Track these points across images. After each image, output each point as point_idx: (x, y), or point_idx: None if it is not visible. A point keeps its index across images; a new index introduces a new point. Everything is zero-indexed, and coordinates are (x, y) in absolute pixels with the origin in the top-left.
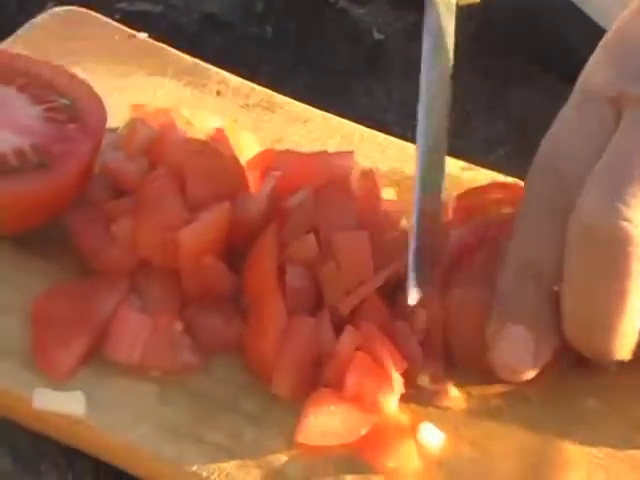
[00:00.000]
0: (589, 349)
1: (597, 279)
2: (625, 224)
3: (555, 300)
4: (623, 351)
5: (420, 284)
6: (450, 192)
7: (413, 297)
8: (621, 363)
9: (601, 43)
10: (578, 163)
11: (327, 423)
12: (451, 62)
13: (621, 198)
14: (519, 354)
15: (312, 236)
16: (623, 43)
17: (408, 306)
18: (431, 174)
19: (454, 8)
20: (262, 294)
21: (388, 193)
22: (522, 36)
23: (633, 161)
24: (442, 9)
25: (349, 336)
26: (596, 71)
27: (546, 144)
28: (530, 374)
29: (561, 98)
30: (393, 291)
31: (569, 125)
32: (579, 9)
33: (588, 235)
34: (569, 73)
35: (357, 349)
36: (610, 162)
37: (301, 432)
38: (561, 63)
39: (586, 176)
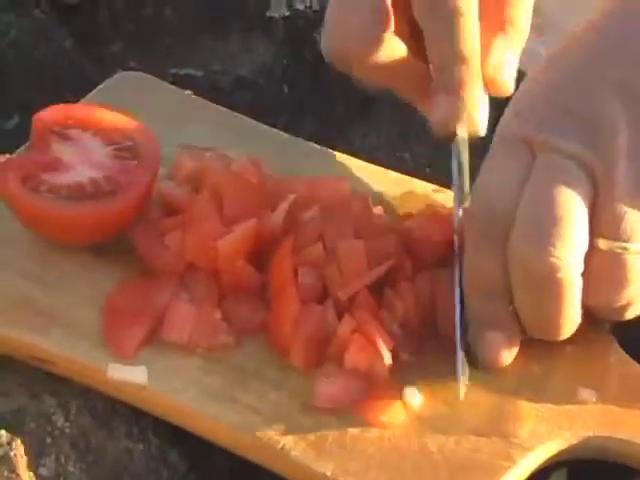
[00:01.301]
0: (541, 336)
1: (539, 298)
2: (553, 260)
3: (510, 302)
4: (566, 335)
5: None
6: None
7: (463, 392)
8: None
9: (516, 91)
10: (505, 201)
11: (332, 391)
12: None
13: (548, 241)
14: (497, 352)
15: (320, 244)
16: (530, 91)
17: (390, 299)
18: None
19: (467, 142)
20: (281, 288)
21: (377, 210)
22: None
23: (550, 208)
24: (462, 146)
25: (347, 322)
26: (510, 115)
27: (479, 179)
28: (507, 363)
29: None
30: (380, 287)
31: (495, 165)
32: None
33: (526, 271)
34: None
35: (354, 331)
36: (532, 208)
37: (314, 397)
38: None
39: (512, 211)
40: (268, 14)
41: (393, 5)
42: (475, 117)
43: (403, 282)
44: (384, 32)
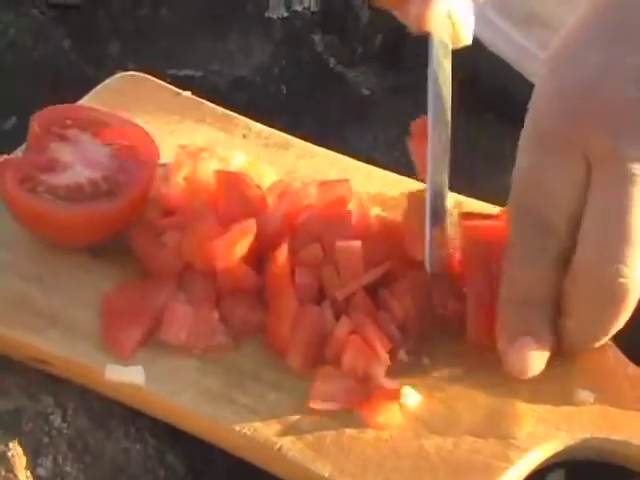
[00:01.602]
0: (580, 348)
1: (600, 313)
2: (624, 281)
3: (548, 313)
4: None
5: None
6: None
7: (431, 267)
8: None
9: (548, 78)
10: (562, 212)
11: (329, 392)
12: (449, 102)
13: (618, 259)
14: (527, 358)
15: (317, 245)
16: (579, 86)
17: (387, 301)
18: (437, 205)
19: (450, 51)
20: (279, 289)
21: (375, 211)
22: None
23: (621, 222)
24: (441, 53)
25: (344, 324)
26: (553, 116)
27: (520, 186)
28: (536, 372)
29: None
30: (376, 288)
31: (541, 170)
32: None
33: (594, 287)
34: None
35: (351, 333)
36: (600, 222)
37: (311, 399)
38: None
39: (571, 225)
40: (266, 15)
41: None
42: (457, 23)
43: (399, 283)
44: None
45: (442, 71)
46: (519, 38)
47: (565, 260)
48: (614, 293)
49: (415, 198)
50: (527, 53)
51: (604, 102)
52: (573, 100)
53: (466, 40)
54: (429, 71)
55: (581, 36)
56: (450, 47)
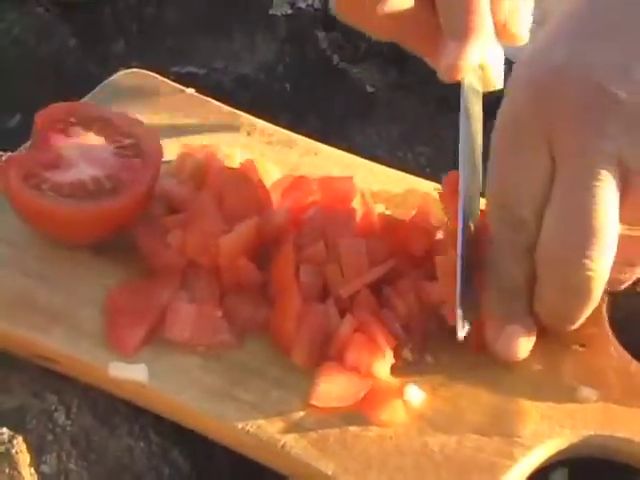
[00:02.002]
0: (554, 326)
1: (566, 297)
2: (589, 274)
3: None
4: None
5: (466, 316)
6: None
7: (462, 332)
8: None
9: (522, 69)
10: (530, 207)
11: (333, 389)
12: (481, 139)
13: (583, 254)
14: (517, 345)
15: (322, 242)
16: (550, 85)
17: (391, 299)
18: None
19: (481, 95)
20: (283, 286)
21: (379, 208)
22: None
23: (584, 218)
24: (471, 99)
25: (348, 322)
26: (525, 112)
27: (492, 180)
28: (524, 355)
29: None
30: (379, 286)
31: (510, 164)
32: None
33: (559, 279)
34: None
35: (355, 331)
36: (566, 217)
37: (314, 397)
38: None
39: (538, 216)
40: (270, 12)
41: None
42: (488, 69)
43: (403, 281)
44: None
45: (473, 117)
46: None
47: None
48: (579, 286)
49: (446, 262)
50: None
51: (570, 92)
52: (540, 90)
53: (497, 84)
54: (460, 118)
55: (557, 29)
56: (480, 92)
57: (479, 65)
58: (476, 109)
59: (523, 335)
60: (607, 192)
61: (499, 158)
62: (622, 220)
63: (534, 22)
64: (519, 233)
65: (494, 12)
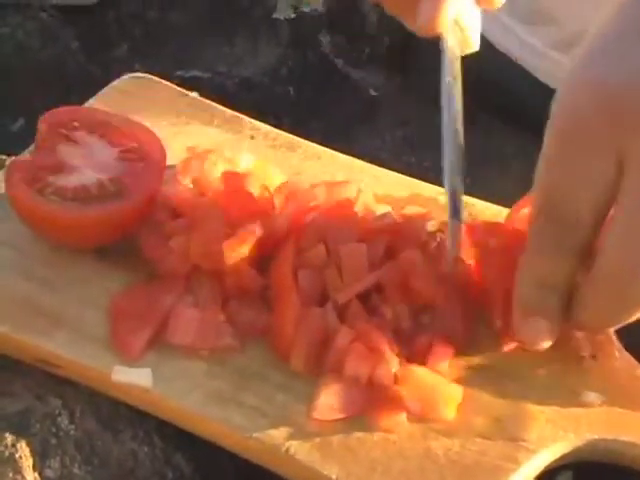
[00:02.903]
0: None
1: (611, 314)
2: None
3: (562, 297)
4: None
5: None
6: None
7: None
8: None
9: (582, 70)
10: (588, 209)
11: (333, 401)
12: (460, 104)
13: None
14: (537, 338)
15: (322, 246)
16: (624, 93)
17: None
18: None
19: (459, 57)
20: (282, 291)
21: (384, 209)
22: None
23: None
24: (452, 59)
25: (345, 332)
26: (588, 110)
27: (547, 177)
28: (544, 348)
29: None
30: (368, 294)
31: (570, 165)
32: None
33: (613, 292)
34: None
35: (353, 341)
36: (630, 231)
37: (316, 411)
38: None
39: (595, 223)
40: (274, 16)
41: None
42: (465, 28)
43: (389, 288)
44: None
45: (454, 76)
46: (524, 35)
47: (584, 253)
48: (632, 301)
49: None
50: (532, 50)
51: None
52: (613, 96)
53: (474, 46)
54: (442, 79)
55: (614, 32)
56: (459, 53)
57: (457, 26)
58: (456, 67)
59: (545, 330)
60: None
61: (558, 158)
62: None
63: (524, 20)
64: (569, 232)
65: None
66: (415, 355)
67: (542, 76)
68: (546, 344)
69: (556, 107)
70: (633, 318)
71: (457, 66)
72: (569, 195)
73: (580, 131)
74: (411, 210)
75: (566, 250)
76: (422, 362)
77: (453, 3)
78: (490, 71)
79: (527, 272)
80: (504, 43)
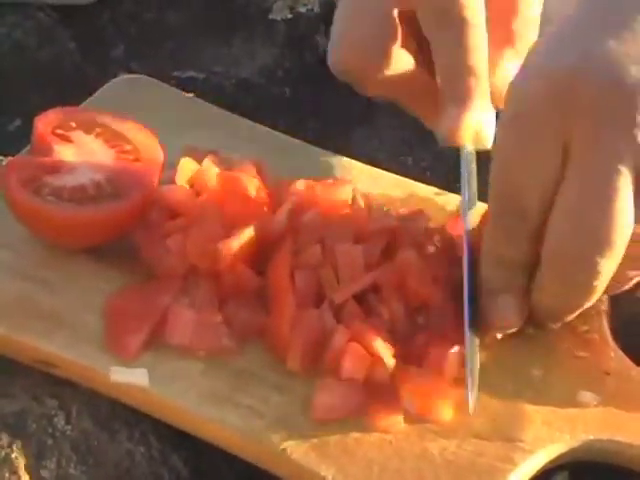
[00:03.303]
0: (546, 319)
1: (568, 291)
2: (599, 273)
3: (524, 274)
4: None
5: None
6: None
7: (472, 404)
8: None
9: (534, 59)
10: (535, 197)
11: (330, 401)
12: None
13: (598, 252)
14: (509, 315)
15: (318, 246)
16: (570, 80)
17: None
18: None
19: (474, 154)
20: (278, 291)
21: (381, 209)
22: None
23: (598, 217)
24: (469, 157)
25: (341, 332)
26: (536, 98)
27: (497, 165)
28: (516, 327)
29: None
30: (364, 295)
31: (518, 152)
32: None
33: (567, 275)
34: None
35: (349, 341)
36: (575, 216)
37: (314, 410)
38: None
39: (542, 209)
40: (270, 17)
41: (399, 18)
42: (482, 132)
43: (386, 288)
44: (391, 45)
45: (469, 172)
46: None
47: (537, 238)
48: (585, 283)
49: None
50: None
51: (592, 88)
52: (561, 81)
53: (487, 144)
54: (461, 181)
55: (571, 21)
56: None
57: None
58: (472, 166)
59: (515, 306)
60: (625, 191)
61: (507, 148)
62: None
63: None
64: (521, 221)
65: (490, 77)
66: (411, 355)
67: None
68: (516, 323)
69: (508, 93)
70: (588, 303)
71: (473, 163)
72: (518, 181)
73: (529, 116)
74: (408, 211)
75: (517, 236)
76: (418, 362)
77: (475, 111)
78: None
79: (487, 255)
80: None
